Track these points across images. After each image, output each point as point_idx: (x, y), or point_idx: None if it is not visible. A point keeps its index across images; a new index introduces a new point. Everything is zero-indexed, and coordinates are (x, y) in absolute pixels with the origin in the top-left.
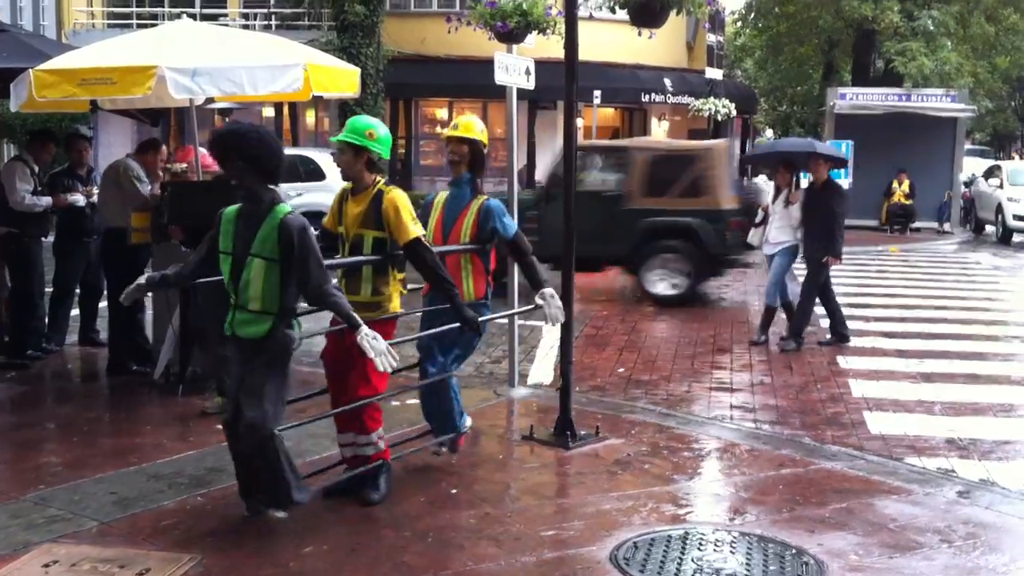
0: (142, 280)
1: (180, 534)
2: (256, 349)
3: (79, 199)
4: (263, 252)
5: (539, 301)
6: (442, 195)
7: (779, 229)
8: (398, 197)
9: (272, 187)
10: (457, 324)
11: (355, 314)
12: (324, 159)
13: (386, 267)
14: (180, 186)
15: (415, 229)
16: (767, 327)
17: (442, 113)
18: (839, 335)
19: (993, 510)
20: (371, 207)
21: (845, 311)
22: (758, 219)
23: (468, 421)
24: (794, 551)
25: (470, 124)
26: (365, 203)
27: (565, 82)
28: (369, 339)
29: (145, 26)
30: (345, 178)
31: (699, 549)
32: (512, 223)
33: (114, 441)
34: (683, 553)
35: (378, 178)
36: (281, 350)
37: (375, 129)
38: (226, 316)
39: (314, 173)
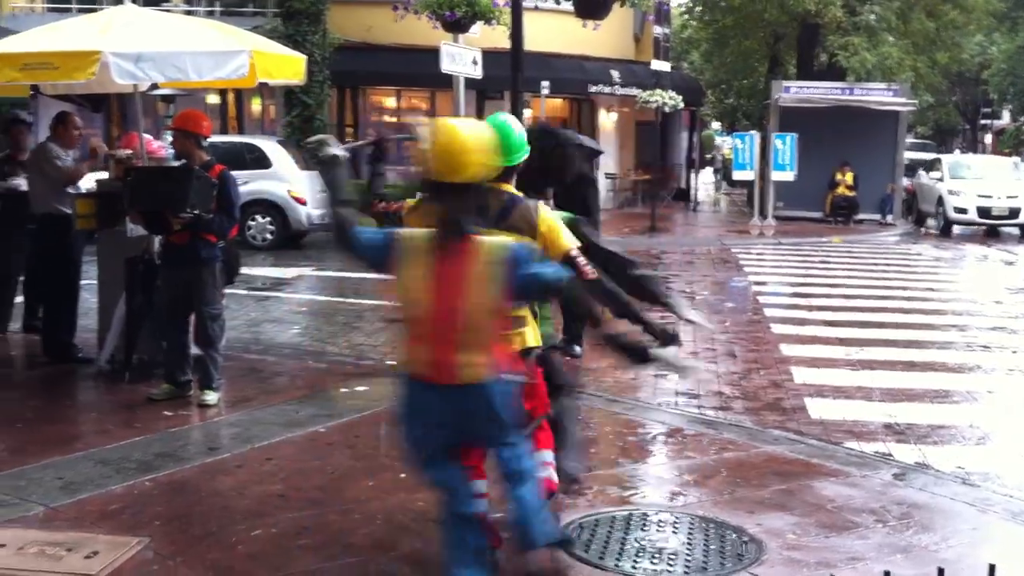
0: None
1: (128, 518)
2: None
3: (21, 184)
4: None
5: None
6: None
7: None
8: None
9: None
10: None
11: None
12: (270, 147)
13: None
14: (140, 171)
15: None
16: None
17: (389, 102)
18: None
19: (927, 492)
20: None
21: (789, 300)
22: None
23: None
24: (734, 531)
25: None
26: None
27: (511, 71)
28: None
29: (85, 11)
30: None
31: (642, 529)
32: None
33: (60, 427)
34: (627, 533)
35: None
36: None
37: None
38: None
39: (260, 161)
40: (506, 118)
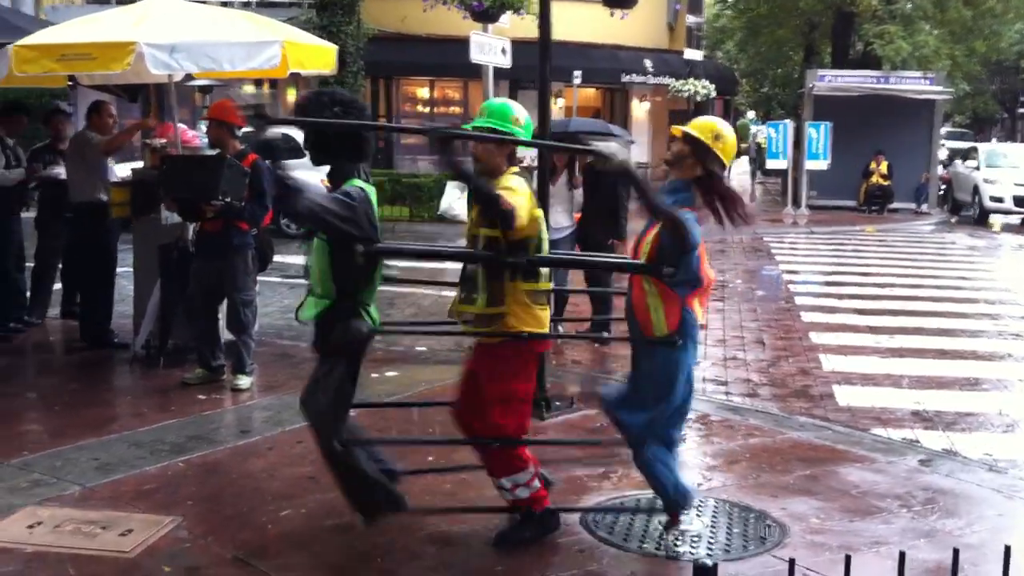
0: None
1: (162, 498)
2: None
3: (60, 172)
4: None
5: None
6: None
7: (563, 214)
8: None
9: None
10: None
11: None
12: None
13: (498, 271)
14: (175, 160)
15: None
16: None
17: (422, 92)
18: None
19: (953, 477)
20: None
21: (820, 289)
22: None
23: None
24: (757, 514)
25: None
26: None
27: (539, 60)
28: None
29: (123, 2)
30: (482, 172)
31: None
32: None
33: (96, 411)
34: (650, 516)
35: (513, 170)
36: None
37: (518, 114)
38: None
39: (295, 150)
40: (507, 102)
